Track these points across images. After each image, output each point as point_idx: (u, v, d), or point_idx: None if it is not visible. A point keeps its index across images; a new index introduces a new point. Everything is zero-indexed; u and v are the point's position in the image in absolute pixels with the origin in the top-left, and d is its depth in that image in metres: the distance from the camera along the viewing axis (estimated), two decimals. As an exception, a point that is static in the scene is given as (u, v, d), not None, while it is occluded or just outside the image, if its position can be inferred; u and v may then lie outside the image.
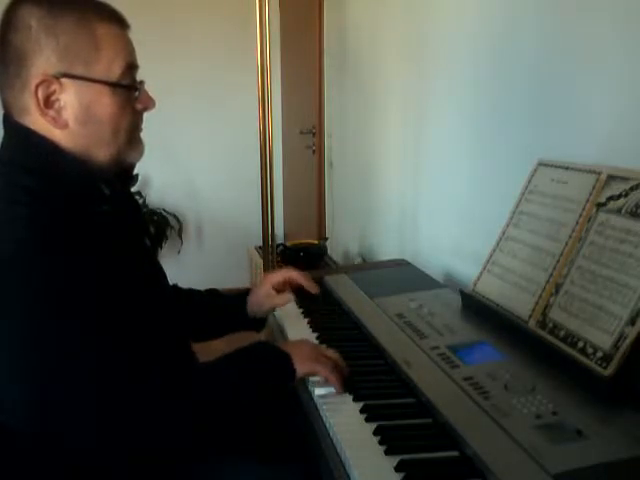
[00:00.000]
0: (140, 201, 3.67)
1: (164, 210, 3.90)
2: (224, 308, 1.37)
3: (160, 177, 3.81)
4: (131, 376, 0.91)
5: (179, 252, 4.02)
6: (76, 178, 0.99)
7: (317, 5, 3.16)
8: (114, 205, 1.05)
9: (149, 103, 1.05)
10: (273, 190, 2.67)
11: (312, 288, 1.37)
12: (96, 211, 1.02)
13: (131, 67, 1.02)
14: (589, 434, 0.83)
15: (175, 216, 3.95)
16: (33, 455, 0.94)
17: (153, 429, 0.93)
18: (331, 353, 1.10)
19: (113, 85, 0.98)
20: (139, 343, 0.96)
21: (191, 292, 1.38)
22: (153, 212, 3.82)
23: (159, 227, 3.82)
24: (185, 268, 3.92)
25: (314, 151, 3.33)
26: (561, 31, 1.32)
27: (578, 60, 1.27)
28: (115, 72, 0.99)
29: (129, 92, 1.02)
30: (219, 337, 1.37)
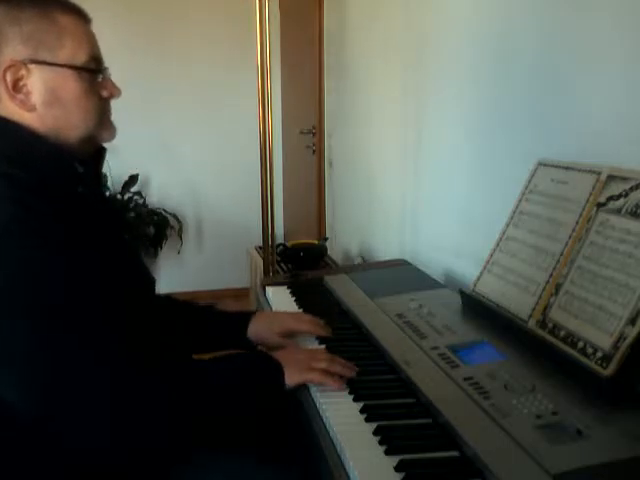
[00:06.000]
0: (140, 201, 3.69)
1: (164, 210, 3.90)
2: (223, 326, 1.33)
3: (160, 177, 3.80)
4: (98, 373, 0.90)
5: (179, 252, 4.02)
6: (50, 157, 1.02)
7: (317, 5, 3.16)
8: (87, 186, 1.07)
9: (114, 91, 1.10)
10: (273, 190, 2.67)
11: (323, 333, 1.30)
12: (71, 192, 1.04)
13: (95, 58, 1.06)
14: (589, 434, 0.83)
15: (175, 216, 3.95)
16: (33, 450, 0.94)
17: (136, 429, 0.92)
18: (324, 357, 1.09)
19: (77, 69, 1.02)
20: (113, 336, 0.94)
21: (188, 305, 1.36)
22: (153, 212, 3.81)
23: (159, 227, 3.81)
24: (185, 268, 3.92)
25: (314, 151, 3.33)
26: (561, 31, 1.32)
27: (578, 60, 1.27)
28: (80, 59, 1.03)
29: (93, 78, 1.06)
30: (212, 352, 1.34)
